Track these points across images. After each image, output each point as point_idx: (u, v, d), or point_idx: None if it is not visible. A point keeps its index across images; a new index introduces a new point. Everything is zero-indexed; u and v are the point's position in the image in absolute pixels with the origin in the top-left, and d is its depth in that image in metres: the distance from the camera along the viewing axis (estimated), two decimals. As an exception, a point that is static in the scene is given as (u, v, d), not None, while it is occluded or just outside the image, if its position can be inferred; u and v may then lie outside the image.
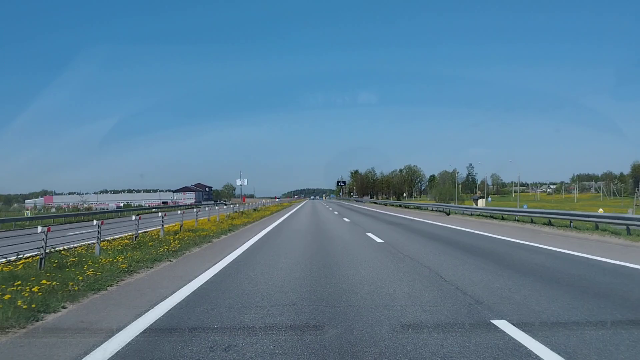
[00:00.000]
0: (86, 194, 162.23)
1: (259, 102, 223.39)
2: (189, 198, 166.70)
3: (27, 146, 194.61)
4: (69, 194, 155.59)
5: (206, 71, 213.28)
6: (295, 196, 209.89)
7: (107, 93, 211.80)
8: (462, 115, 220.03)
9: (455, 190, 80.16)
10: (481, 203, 57.48)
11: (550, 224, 19.64)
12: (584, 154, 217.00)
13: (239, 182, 65.86)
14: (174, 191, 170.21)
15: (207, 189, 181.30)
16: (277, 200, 71.08)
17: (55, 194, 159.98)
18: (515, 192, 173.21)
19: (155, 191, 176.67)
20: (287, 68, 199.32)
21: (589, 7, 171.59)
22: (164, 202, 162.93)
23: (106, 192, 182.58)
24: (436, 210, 39.26)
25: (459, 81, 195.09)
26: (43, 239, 7.73)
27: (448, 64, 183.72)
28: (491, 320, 4.74)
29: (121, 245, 11.04)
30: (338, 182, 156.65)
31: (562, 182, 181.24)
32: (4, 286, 5.96)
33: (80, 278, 7.03)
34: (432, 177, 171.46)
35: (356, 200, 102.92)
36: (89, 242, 11.76)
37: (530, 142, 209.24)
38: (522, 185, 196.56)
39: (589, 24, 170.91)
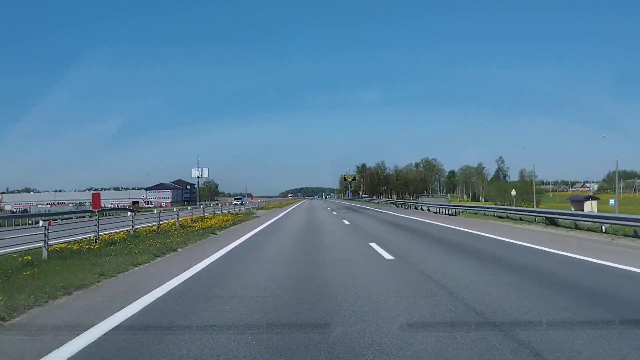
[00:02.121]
0: (65, 191, 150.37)
1: (260, 102, 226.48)
2: (165, 197, 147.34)
3: (29, 146, 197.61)
4: (55, 191, 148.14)
5: (208, 72, 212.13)
6: (290, 195, 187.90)
7: (109, 93, 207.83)
8: (464, 115, 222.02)
9: (532, 189, 60.53)
10: (589, 207, 37.71)
11: None
12: (585, 153, 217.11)
13: (195, 173, 46.16)
14: (146, 189, 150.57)
15: (187, 187, 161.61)
16: (235, 203, 43.01)
17: (37, 192, 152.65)
18: (548, 191, 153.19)
19: (126, 189, 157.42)
20: (289, 68, 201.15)
21: (589, 7, 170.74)
22: (134, 202, 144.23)
23: (93, 189, 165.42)
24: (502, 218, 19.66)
25: (461, 80, 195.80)
26: None
27: (449, 63, 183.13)
28: None
29: None
30: (345, 177, 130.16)
31: (604, 181, 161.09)
32: None
33: None
34: (452, 173, 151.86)
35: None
36: None
37: (531, 141, 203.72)
38: (546, 184, 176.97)
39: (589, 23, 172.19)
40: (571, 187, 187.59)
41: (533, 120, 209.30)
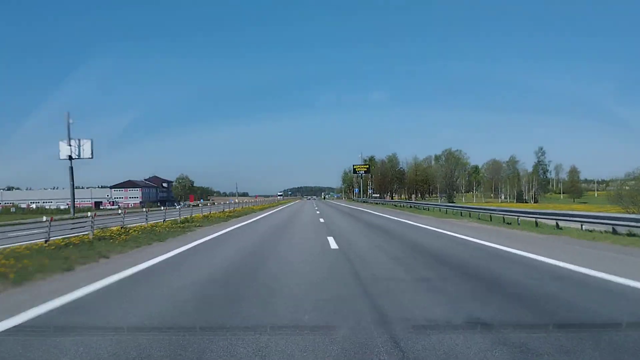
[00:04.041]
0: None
1: (261, 102, 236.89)
2: (134, 197, 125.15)
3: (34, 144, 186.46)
4: (40, 189, 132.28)
5: (208, 72, 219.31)
6: (279, 195, 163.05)
7: (112, 92, 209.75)
8: (468, 115, 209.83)
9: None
10: None
11: None
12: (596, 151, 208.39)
13: (65, 151, 23.64)
14: (111, 187, 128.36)
15: (163, 185, 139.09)
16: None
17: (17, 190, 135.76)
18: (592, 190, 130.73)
19: (88, 188, 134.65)
20: (290, 68, 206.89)
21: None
22: (96, 203, 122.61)
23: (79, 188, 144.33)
24: None
25: (463, 78, 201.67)
26: None
27: (452, 63, 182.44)
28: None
29: None
30: (355, 168, 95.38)
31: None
32: None
33: None
34: (476, 169, 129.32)
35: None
36: None
37: (537, 140, 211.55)
38: (584, 181, 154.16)
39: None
40: (607, 185, 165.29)
41: (535, 119, 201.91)
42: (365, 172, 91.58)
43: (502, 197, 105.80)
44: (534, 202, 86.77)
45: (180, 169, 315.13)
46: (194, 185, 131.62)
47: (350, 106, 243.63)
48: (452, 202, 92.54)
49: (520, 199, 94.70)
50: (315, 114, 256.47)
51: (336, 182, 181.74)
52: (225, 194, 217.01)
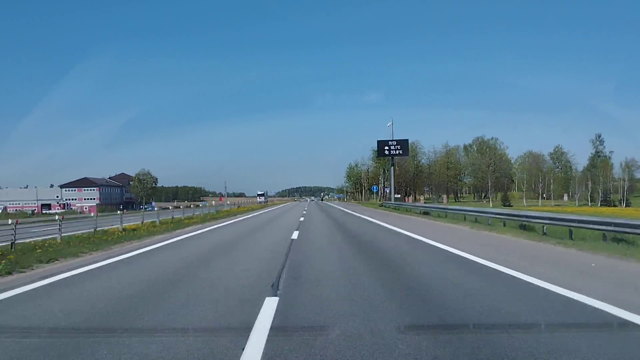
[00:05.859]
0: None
1: (262, 102, 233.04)
2: (90, 197, 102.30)
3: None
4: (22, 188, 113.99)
5: (207, 72, 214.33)
6: (259, 195, 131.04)
7: (108, 91, 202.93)
8: (468, 114, 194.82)
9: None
10: None
11: None
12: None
13: None
14: (62, 186, 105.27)
15: (131, 183, 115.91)
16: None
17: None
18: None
19: (35, 187, 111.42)
20: (288, 67, 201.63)
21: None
22: (44, 206, 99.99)
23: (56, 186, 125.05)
24: None
25: (463, 80, 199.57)
26: None
27: (451, 63, 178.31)
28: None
29: None
30: (380, 148, 53.86)
31: None
32: None
33: None
34: (508, 163, 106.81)
35: None
36: None
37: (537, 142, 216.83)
38: None
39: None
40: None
41: (534, 117, 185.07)
42: (400, 153, 55.56)
43: (565, 198, 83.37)
44: (626, 206, 64.62)
45: (177, 169, 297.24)
46: (157, 185, 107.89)
47: (349, 106, 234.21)
48: (510, 205, 70.42)
49: (606, 202, 71.55)
50: (314, 114, 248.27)
51: (335, 182, 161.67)
52: (221, 194, 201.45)
